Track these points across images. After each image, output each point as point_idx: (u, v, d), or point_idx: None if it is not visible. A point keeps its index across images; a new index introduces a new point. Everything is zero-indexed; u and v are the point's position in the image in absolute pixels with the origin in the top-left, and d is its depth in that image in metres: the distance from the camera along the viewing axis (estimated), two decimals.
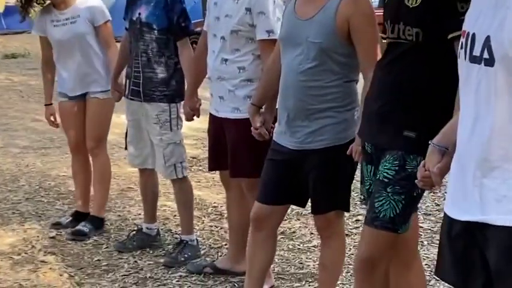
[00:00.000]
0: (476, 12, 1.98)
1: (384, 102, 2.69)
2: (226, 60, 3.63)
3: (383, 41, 2.80)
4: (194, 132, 7.09)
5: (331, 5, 3.02)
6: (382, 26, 2.78)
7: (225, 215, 4.58)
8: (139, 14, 4.06)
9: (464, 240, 1.98)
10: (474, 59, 1.94)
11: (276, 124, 3.30)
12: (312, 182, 3.14)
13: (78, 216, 4.80)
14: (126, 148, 4.47)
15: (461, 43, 2.03)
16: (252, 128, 3.44)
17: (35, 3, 4.74)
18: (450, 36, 2.49)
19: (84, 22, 4.54)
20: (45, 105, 4.82)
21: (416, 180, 2.36)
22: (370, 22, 3.03)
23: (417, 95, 2.63)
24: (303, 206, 3.40)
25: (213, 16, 3.71)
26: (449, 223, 2.05)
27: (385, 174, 2.66)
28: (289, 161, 3.18)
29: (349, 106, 3.13)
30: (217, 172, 4.13)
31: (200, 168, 6.23)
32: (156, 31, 4.01)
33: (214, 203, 5.33)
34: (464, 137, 2.03)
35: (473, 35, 1.95)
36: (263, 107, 3.47)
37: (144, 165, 4.36)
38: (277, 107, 3.34)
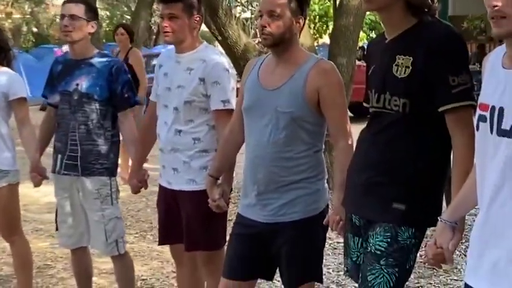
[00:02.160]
0: (500, 86, 2.02)
1: (371, 175, 2.67)
2: (180, 131, 3.53)
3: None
4: None
5: (299, 75, 3.02)
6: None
7: None
8: (77, 84, 3.85)
9: None
10: (504, 132, 1.97)
11: (241, 197, 3.22)
12: (286, 256, 3.07)
13: None
14: (57, 229, 4.17)
15: (482, 116, 2.07)
16: (209, 199, 3.37)
17: None
18: (442, 109, 2.50)
19: None
20: None
21: (426, 258, 2.36)
22: (340, 92, 3.07)
23: (405, 168, 2.60)
24: (271, 279, 3.31)
25: (164, 87, 3.61)
26: None
27: (377, 246, 2.62)
28: (259, 234, 3.09)
29: (320, 176, 3.11)
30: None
31: None
32: (97, 102, 3.82)
33: (142, 275, 5.08)
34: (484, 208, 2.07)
35: (501, 109, 1.98)
36: (220, 178, 3.40)
37: (78, 245, 4.07)
38: (242, 178, 3.26)
